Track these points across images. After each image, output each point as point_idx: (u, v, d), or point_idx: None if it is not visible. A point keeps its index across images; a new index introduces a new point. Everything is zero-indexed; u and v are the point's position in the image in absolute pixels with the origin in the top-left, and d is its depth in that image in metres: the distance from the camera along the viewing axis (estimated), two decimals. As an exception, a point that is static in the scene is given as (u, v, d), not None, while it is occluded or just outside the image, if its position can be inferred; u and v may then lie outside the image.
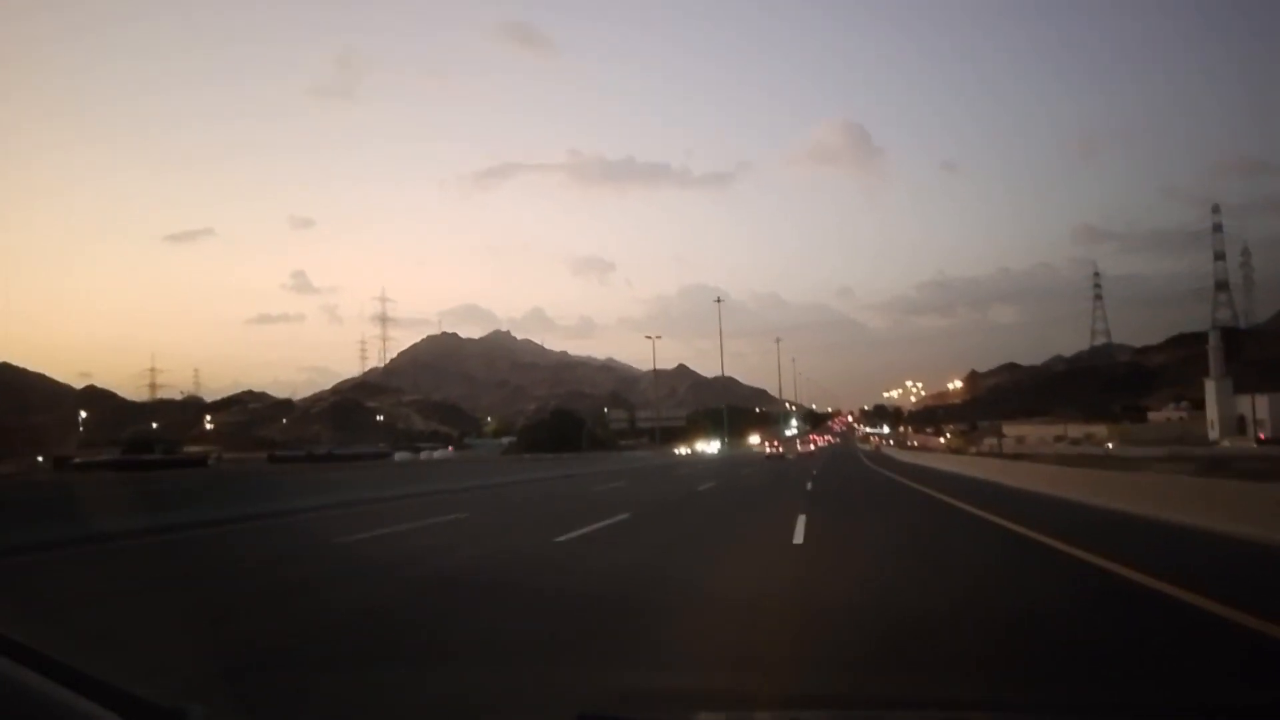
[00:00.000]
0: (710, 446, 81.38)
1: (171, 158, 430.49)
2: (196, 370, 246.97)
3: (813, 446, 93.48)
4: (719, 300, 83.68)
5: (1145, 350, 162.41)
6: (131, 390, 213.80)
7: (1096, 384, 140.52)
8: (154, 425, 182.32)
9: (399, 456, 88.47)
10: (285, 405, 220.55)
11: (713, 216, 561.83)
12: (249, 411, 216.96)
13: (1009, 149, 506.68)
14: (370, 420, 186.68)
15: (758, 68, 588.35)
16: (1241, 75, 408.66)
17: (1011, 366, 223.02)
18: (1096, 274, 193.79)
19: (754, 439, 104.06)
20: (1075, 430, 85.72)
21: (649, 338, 69.03)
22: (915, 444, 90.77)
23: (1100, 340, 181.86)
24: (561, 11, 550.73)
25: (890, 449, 76.68)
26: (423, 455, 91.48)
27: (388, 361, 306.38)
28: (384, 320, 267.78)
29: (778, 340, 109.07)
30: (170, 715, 1.43)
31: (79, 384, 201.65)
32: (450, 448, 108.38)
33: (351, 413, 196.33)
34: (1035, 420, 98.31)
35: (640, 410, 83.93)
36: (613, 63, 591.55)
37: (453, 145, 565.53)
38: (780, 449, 68.88)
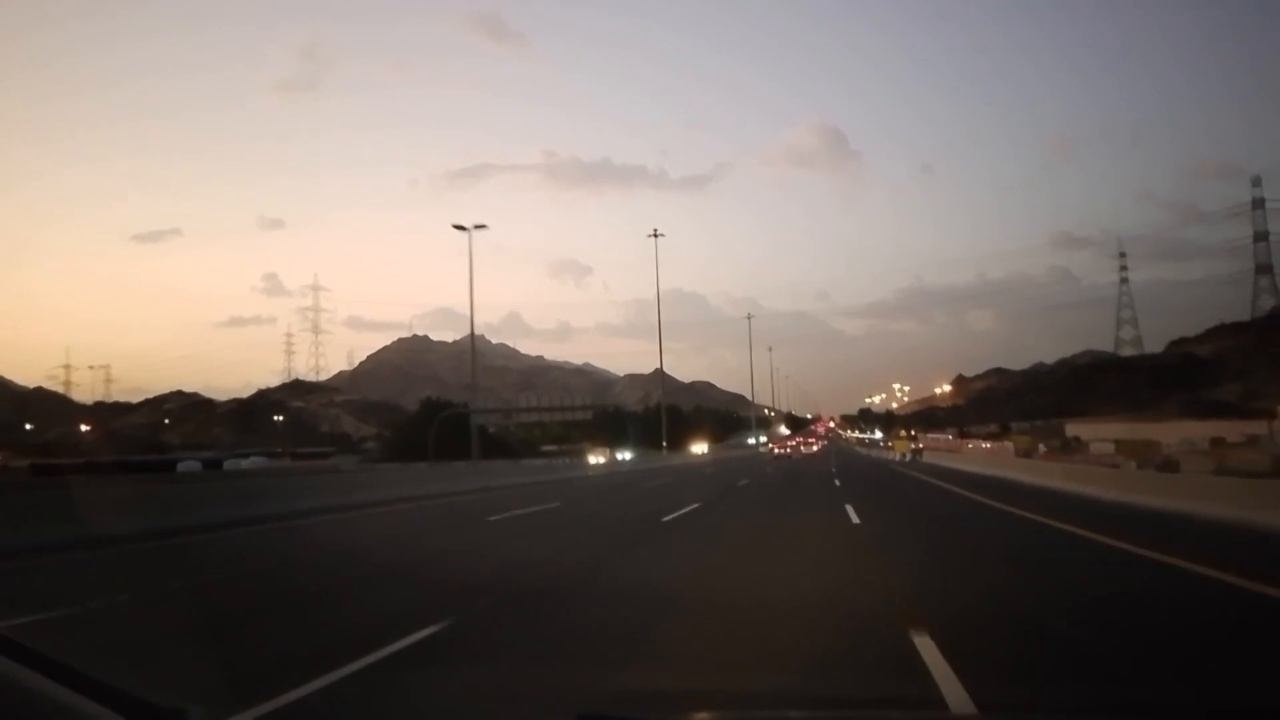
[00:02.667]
0: (622, 454, 52.43)
1: (134, 154, 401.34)
2: (109, 367, 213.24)
3: (815, 448, 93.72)
4: (656, 233, 54.95)
5: (1182, 342, 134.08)
6: (90, 392, 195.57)
7: (1140, 379, 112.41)
8: (26, 426, 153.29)
9: (183, 467, 60.42)
10: (205, 406, 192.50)
11: (689, 220, 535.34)
12: (163, 412, 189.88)
13: (986, 153, 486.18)
14: (285, 421, 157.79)
15: (735, 68, 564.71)
16: (1218, 80, 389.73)
17: (999, 370, 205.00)
18: (1122, 254, 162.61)
19: (700, 448, 74.48)
20: (1161, 430, 56.98)
21: (456, 226, 32.89)
22: (918, 447, 63.02)
23: (1127, 331, 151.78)
24: (534, 7, 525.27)
25: (942, 456, 45.82)
26: (226, 465, 62.45)
27: (321, 361, 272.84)
28: (316, 311, 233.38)
29: (749, 317, 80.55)
30: (170, 715, 1.34)
31: (62, 385, 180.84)
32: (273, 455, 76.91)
33: (266, 413, 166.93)
34: (1084, 420, 70.07)
35: (521, 396, 54.11)
36: (587, 61, 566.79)
37: (424, 144, 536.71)
38: (788, 450, 66.32)
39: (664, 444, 54.26)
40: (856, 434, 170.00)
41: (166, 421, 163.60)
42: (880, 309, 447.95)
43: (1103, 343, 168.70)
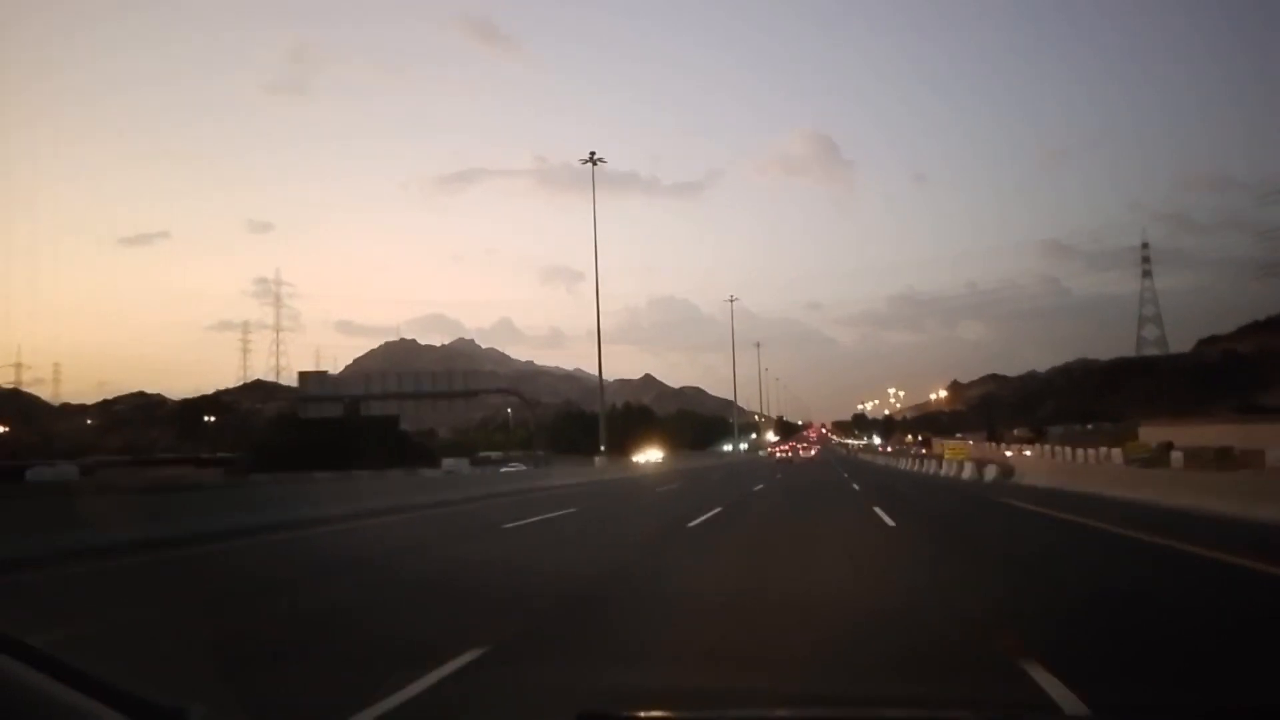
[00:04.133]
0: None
1: (123, 159, 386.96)
2: (57, 365, 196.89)
3: (813, 452, 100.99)
4: (594, 157, 40.28)
5: (1213, 340, 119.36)
6: (75, 394, 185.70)
7: (1168, 380, 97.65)
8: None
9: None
10: (158, 407, 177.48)
11: (681, 226, 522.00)
12: (111, 414, 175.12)
13: (978, 163, 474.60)
14: (228, 424, 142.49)
15: (728, 76, 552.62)
16: (1210, 91, 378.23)
17: (996, 377, 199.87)
18: (1145, 245, 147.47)
19: (651, 455, 58.68)
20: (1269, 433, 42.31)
21: None
22: (1005, 460, 46.34)
23: (1150, 330, 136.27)
24: (525, 10, 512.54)
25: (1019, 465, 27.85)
26: (29, 475, 47.21)
27: (298, 363, 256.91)
28: (278, 307, 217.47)
29: (731, 300, 65.39)
30: (170, 715, 1.32)
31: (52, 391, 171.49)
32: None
33: (216, 415, 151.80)
34: (1152, 424, 55.34)
35: (375, 382, 39.31)
36: (580, 66, 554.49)
37: (415, 147, 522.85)
38: (789, 453, 75.27)
39: (601, 448, 39.16)
40: (853, 440, 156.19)
41: (89, 422, 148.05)
42: (872, 316, 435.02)
43: (1097, 349, 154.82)
